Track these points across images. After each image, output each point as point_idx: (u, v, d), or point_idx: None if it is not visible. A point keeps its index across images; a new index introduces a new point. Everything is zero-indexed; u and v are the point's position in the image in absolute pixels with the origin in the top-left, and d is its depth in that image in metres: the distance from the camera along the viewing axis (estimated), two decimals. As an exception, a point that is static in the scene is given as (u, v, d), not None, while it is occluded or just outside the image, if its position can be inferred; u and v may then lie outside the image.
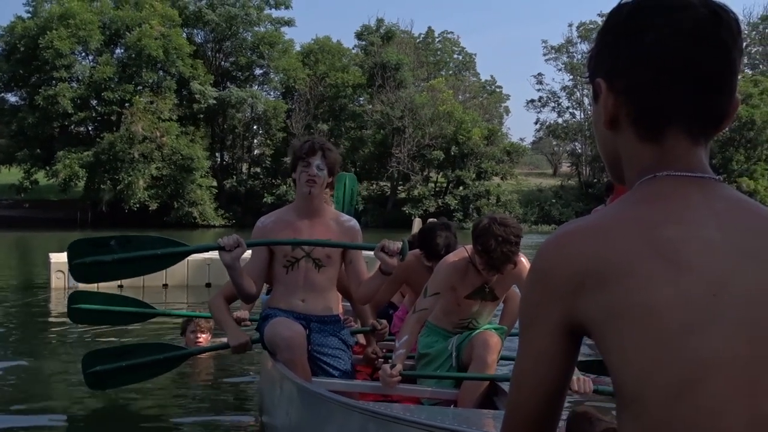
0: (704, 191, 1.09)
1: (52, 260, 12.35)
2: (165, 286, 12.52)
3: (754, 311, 1.00)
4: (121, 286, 12.22)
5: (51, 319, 9.20)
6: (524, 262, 3.92)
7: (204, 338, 6.41)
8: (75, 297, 5.54)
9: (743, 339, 0.99)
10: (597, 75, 1.16)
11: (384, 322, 4.55)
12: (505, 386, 3.91)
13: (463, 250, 4.04)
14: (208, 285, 12.17)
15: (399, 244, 3.84)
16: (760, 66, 59.56)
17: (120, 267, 4.28)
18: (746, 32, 60.72)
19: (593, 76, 1.17)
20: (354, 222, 4.15)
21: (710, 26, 1.08)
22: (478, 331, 4.12)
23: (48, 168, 44.21)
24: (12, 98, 47.91)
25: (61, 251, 13.78)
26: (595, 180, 51.20)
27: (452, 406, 4.01)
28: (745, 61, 61.07)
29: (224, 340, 4.47)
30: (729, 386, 0.97)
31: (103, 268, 4.27)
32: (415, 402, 4.14)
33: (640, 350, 0.99)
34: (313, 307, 4.06)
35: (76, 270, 4.32)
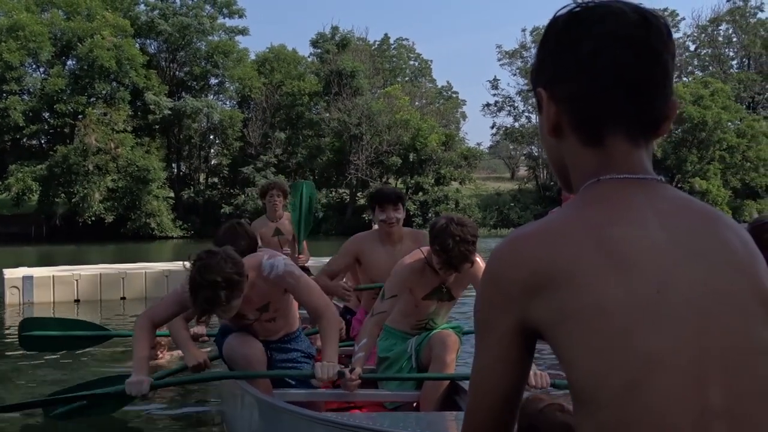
0: (647, 192, 1.12)
1: (6, 276, 12.12)
2: (123, 298, 12.36)
3: (698, 308, 1.03)
4: (78, 301, 12.04)
5: (7, 333, 9.01)
6: (480, 262, 3.96)
7: (162, 353, 6.33)
8: (26, 324, 5.44)
9: (689, 335, 1.01)
10: (538, 85, 1.20)
11: (341, 319, 4.55)
12: (465, 384, 3.93)
13: (419, 252, 4.07)
14: (167, 297, 12.04)
15: (333, 374, 3.70)
16: (710, 68, 60.80)
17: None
18: (695, 35, 62.00)
19: (535, 86, 1.21)
20: (275, 270, 3.83)
21: (641, 32, 1.12)
22: (435, 331, 4.15)
23: (0, 182, 43.39)
24: (-39, 112, 46.93)
25: (16, 267, 13.54)
26: (552, 183, 51.77)
27: (415, 405, 4.03)
28: (695, 63, 62.38)
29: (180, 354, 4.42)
30: (676, 382, 0.99)
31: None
32: (378, 406, 4.14)
33: (590, 350, 1.02)
34: (271, 336, 4.06)
35: None
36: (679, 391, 0.99)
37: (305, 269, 5.34)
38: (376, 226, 5.05)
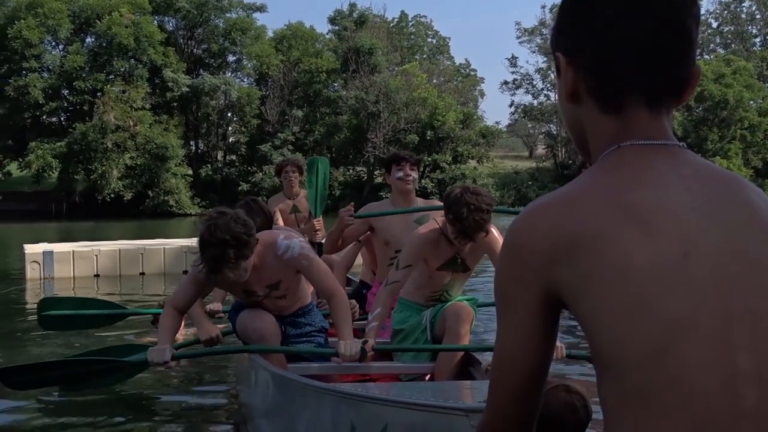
0: (669, 158, 1.10)
1: (27, 251, 12.26)
2: (142, 274, 12.47)
3: (724, 272, 1.01)
4: (97, 276, 12.16)
5: (28, 309, 9.13)
6: (495, 232, 3.95)
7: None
8: (44, 304, 5.48)
9: (715, 300, 1.00)
10: (557, 49, 1.17)
11: (353, 302, 4.58)
12: (479, 356, 3.95)
13: (434, 222, 4.07)
14: (186, 272, 12.12)
15: (356, 351, 3.72)
16: (733, 45, 60.02)
17: (55, 380, 4.39)
18: (718, 12, 61.18)
19: (554, 50, 1.18)
20: (291, 252, 3.84)
21: None
22: (450, 302, 4.15)
23: (20, 159, 43.72)
24: (-19, 89, 47.24)
25: (36, 242, 13.68)
26: (571, 161, 51.47)
27: (429, 377, 4.05)
28: (717, 40, 61.60)
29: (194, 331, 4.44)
30: (702, 347, 0.98)
31: (38, 381, 4.41)
32: (393, 378, 4.17)
33: (614, 316, 1.00)
34: (285, 312, 4.08)
35: (12, 384, 4.37)
36: (705, 356, 0.98)
37: (320, 245, 5.35)
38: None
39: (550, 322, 1.10)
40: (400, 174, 4.73)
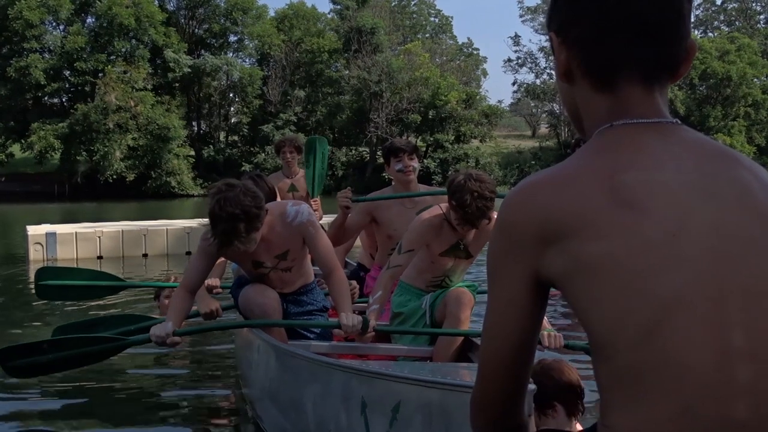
0: (662, 135, 1.10)
1: (29, 233, 12.29)
2: (145, 255, 12.50)
3: (716, 250, 1.02)
4: (101, 257, 12.19)
5: (30, 290, 9.15)
6: None
7: None
8: (42, 273, 5.46)
9: (706, 278, 1.00)
10: (551, 29, 1.18)
11: (354, 282, 4.57)
12: (480, 341, 3.95)
13: (438, 207, 4.06)
14: (188, 253, 12.15)
15: (358, 322, 3.72)
16: (737, 22, 59.63)
17: (55, 365, 4.24)
18: (721, -11, 60.71)
19: (548, 29, 1.19)
20: (300, 217, 3.88)
21: None
22: (451, 288, 4.16)
23: (23, 140, 43.71)
24: (-17, 71, 47.18)
25: (39, 224, 13.71)
26: (574, 141, 51.33)
27: (428, 361, 4.06)
28: (721, 17, 61.20)
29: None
30: (694, 325, 0.98)
31: (38, 367, 4.23)
32: (392, 360, 4.18)
33: (606, 297, 1.01)
34: (287, 289, 4.09)
35: (11, 371, 4.27)
36: (698, 334, 0.98)
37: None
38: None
39: (539, 297, 1.11)
40: (399, 165, 4.69)
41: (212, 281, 4.82)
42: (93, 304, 7.32)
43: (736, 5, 60.61)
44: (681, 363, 0.98)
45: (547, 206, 1.06)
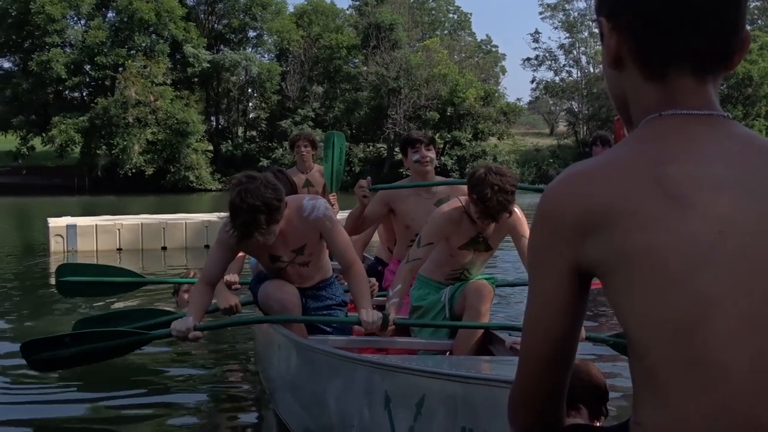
0: (712, 129, 1.07)
1: (50, 225, 12.40)
2: (164, 248, 12.56)
3: (759, 248, 0.99)
4: (120, 250, 12.28)
5: (51, 281, 9.24)
6: (518, 212, 3.94)
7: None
8: (62, 270, 5.48)
9: (747, 278, 0.98)
10: (600, 14, 1.14)
11: (373, 279, 4.57)
12: (500, 334, 3.95)
13: (457, 201, 4.05)
14: (207, 247, 12.20)
15: (378, 318, 3.72)
16: (759, 21, 59.09)
17: (77, 358, 4.27)
18: (744, -13, 60.14)
19: (598, 14, 1.15)
20: (316, 212, 3.85)
21: None
22: (470, 281, 4.15)
23: (44, 134, 44.07)
24: (6, 64, 47.67)
25: (60, 216, 13.82)
26: (591, 139, 51.05)
27: (448, 354, 4.06)
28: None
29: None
30: (732, 324, 0.96)
31: (60, 361, 4.25)
32: (412, 353, 4.17)
33: (644, 291, 0.99)
34: (306, 284, 4.09)
35: (33, 363, 4.30)
36: (735, 334, 0.96)
37: None
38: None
39: (581, 289, 1.08)
40: (417, 156, 4.67)
41: (231, 277, 4.83)
42: (113, 297, 7.37)
43: (758, 3, 60.06)
44: (716, 362, 0.96)
45: (589, 195, 1.04)
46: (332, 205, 6.22)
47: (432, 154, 4.72)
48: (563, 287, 1.07)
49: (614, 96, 1.18)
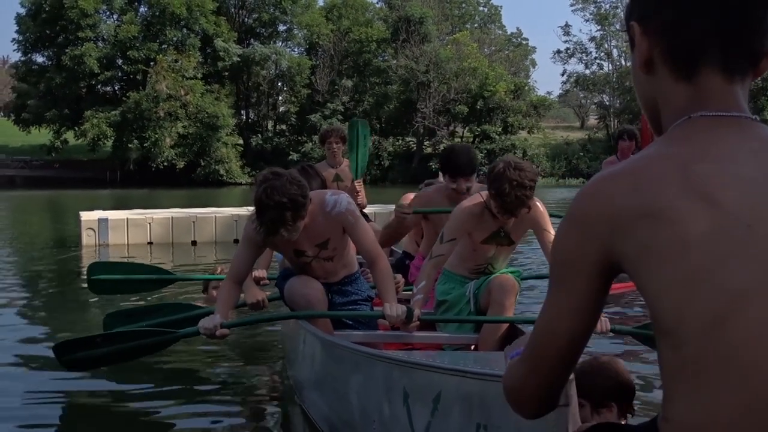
0: (740, 130, 1.09)
1: (82, 218, 12.56)
2: (194, 243, 12.67)
3: None
4: (150, 243, 12.41)
5: (83, 275, 9.37)
6: (539, 206, 3.93)
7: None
8: (94, 268, 5.58)
9: None
10: (631, 18, 1.17)
11: (399, 276, 4.58)
12: (525, 328, 3.95)
13: (479, 196, 4.05)
14: (236, 241, 12.29)
15: (402, 312, 3.72)
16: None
17: (108, 358, 4.36)
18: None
19: (628, 20, 1.18)
20: (338, 207, 3.86)
21: None
22: (494, 275, 4.15)
23: (76, 128, 44.62)
24: (39, 58, 48.32)
25: (92, 210, 14.00)
26: (618, 132, 50.54)
27: (473, 348, 4.07)
28: None
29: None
30: (762, 318, 0.98)
31: (92, 360, 4.37)
32: (437, 348, 4.20)
33: (675, 284, 1.01)
34: (331, 279, 4.12)
35: (66, 363, 4.41)
36: (764, 328, 0.98)
37: (363, 215, 5.38)
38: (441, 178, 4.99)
39: (605, 288, 1.12)
40: (454, 186, 4.48)
41: (259, 273, 4.88)
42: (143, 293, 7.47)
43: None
44: (746, 357, 0.97)
45: (621, 194, 1.06)
46: (357, 192, 6.20)
47: (471, 183, 4.47)
48: (592, 286, 1.10)
49: (644, 101, 1.21)
